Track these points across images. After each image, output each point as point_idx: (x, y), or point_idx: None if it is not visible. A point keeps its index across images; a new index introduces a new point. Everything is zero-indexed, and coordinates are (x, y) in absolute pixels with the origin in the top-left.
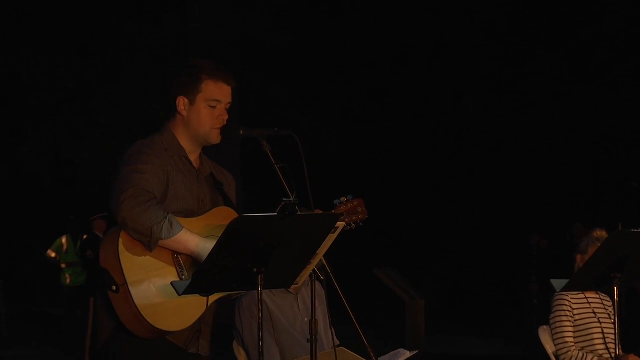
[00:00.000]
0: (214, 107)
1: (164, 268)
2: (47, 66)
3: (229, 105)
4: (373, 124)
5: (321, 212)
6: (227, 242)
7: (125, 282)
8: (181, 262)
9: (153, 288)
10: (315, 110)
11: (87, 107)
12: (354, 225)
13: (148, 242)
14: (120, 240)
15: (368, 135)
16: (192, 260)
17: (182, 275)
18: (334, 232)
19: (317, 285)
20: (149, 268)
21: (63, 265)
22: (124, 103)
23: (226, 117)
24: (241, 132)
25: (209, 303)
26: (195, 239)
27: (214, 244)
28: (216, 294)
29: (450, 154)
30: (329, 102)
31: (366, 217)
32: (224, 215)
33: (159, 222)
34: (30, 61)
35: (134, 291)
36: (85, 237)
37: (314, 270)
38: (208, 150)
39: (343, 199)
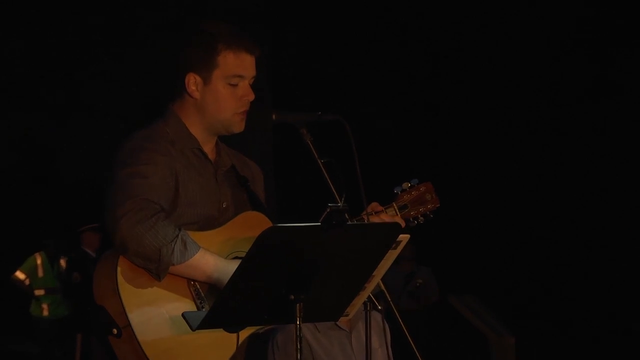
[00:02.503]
0: (235, 85)
1: (178, 300)
2: (22, 30)
3: (253, 80)
4: (441, 108)
5: (382, 213)
6: (255, 260)
7: (129, 324)
8: (199, 290)
9: (166, 328)
10: (370, 90)
11: (70, 82)
12: (421, 218)
13: (156, 270)
14: (119, 269)
15: (434, 123)
16: (215, 289)
17: (202, 306)
18: (395, 248)
19: (375, 317)
20: (158, 303)
21: (38, 293)
22: (118, 78)
23: (252, 96)
24: (273, 116)
25: (240, 341)
26: (214, 260)
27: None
28: (247, 328)
29: (538, 142)
30: (386, 79)
31: (438, 206)
32: (251, 224)
33: (168, 243)
34: None
35: (141, 334)
36: (63, 260)
37: (369, 297)
38: (229, 142)
39: (406, 184)
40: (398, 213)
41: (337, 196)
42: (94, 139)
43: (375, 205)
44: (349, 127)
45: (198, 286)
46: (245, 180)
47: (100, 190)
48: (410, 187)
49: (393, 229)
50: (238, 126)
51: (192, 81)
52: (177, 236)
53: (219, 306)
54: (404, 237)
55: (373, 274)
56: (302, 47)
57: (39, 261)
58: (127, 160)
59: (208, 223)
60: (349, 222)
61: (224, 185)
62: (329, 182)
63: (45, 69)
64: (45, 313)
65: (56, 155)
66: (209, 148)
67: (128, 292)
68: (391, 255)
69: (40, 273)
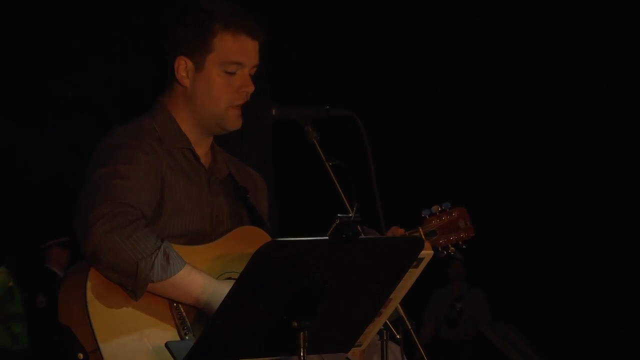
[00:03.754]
0: (232, 74)
1: (157, 325)
2: None
3: (254, 70)
4: (474, 101)
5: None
6: (251, 280)
7: (98, 348)
8: (183, 313)
9: (141, 356)
10: (385, 79)
11: (33, 72)
12: (452, 248)
13: (132, 286)
14: (89, 283)
15: (463, 118)
16: (201, 312)
17: (186, 333)
18: (416, 266)
19: (392, 348)
20: (133, 325)
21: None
22: (94, 65)
23: (251, 88)
24: (274, 112)
25: None
26: (202, 279)
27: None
28: None
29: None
30: (406, 68)
31: (472, 235)
32: (247, 240)
33: (148, 256)
34: None
35: None
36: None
37: (385, 325)
38: (221, 143)
39: (436, 208)
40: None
41: (347, 205)
42: (62, 137)
43: (395, 230)
44: (362, 124)
45: (182, 310)
46: (244, 191)
47: (72, 197)
48: (441, 211)
49: (414, 244)
50: (233, 122)
51: (183, 66)
52: (159, 248)
53: (208, 335)
54: (426, 254)
55: (390, 297)
56: (307, 29)
57: (10, 282)
58: (104, 158)
59: (197, 237)
60: (362, 236)
61: (219, 195)
62: (338, 188)
63: (6, 53)
64: (15, 343)
65: (16, 156)
66: (202, 151)
67: (98, 311)
68: (412, 275)
69: (5, 294)
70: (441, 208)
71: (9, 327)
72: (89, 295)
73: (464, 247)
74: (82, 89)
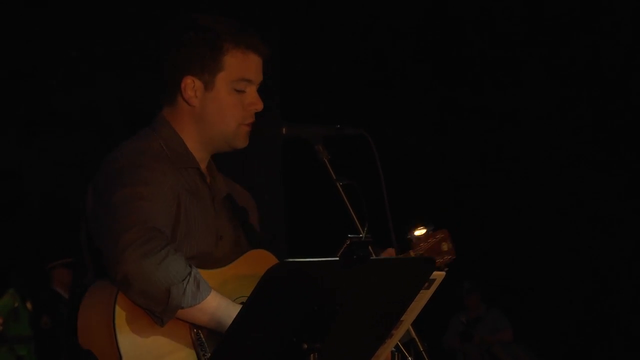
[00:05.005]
0: (241, 92)
1: (178, 350)
2: None
3: (258, 87)
4: (486, 120)
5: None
6: (260, 302)
7: None
8: (203, 339)
9: None
10: (399, 98)
11: (36, 89)
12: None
13: (161, 313)
14: (118, 308)
15: (477, 137)
16: (219, 337)
17: (206, 358)
18: (427, 288)
19: None
20: (157, 352)
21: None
22: (100, 82)
23: (260, 105)
24: (284, 130)
25: None
26: (227, 304)
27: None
28: None
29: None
30: (420, 86)
31: (454, 258)
32: (261, 263)
33: (180, 282)
34: None
35: None
36: (29, 302)
37: (397, 347)
38: (228, 163)
39: (421, 229)
40: None
41: (358, 226)
42: (66, 156)
43: (391, 252)
44: (373, 143)
45: (201, 334)
46: (244, 212)
47: (76, 217)
48: (426, 234)
49: (426, 265)
50: (242, 140)
51: (191, 86)
52: (190, 274)
53: (218, 357)
54: (438, 275)
55: (402, 318)
56: (316, 45)
57: (7, 298)
58: (122, 179)
59: (206, 259)
60: (374, 257)
61: (222, 215)
62: (349, 208)
63: (8, 69)
64: None
65: (22, 174)
66: (203, 169)
67: (126, 337)
68: (423, 297)
69: (14, 316)
70: (426, 229)
71: (13, 349)
72: (118, 320)
73: (446, 269)
74: (88, 106)
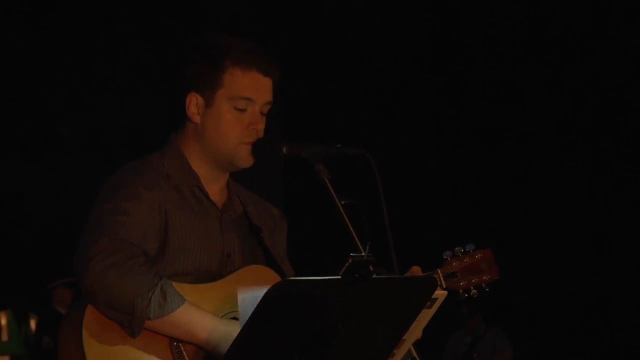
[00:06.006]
0: (242, 110)
1: None
2: None
3: (267, 108)
4: (488, 139)
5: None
6: (261, 321)
7: None
8: (184, 354)
9: None
10: (403, 115)
11: (44, 109)
12: (474, 291)
13: (129, 324)
14: (85, 320)
15: (478, 156)
16: (203, 353)
17: None
18: (430, 307)
19: None
20: None
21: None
22: (102, 103)
23: (261, 126)
24: (284, 149)
25: None
26: (205, 318)
27: (237, 326)
28: None
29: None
30: (421, 106)
31: (496, 278)
32: (256, 279)
33: (144, 293)
34: None
35: None
36: (33, 321)
37: None
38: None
39: (459, 250)
40: (443, 282)
41: (360, 245)
42: (69, 177)
43: (416, 270)
44: (374, 162)
45: (182, 349)
46: (257, 230)
47: (77, 237)
48: (464, 253)
49: (427, 285)
50: (244, 160)
51: (194, 102)
52: (156, 285)
53: None
54: (440, 295)
55: (404, 337)
56: (317, 65)
57: (3, 322)
58: (107, 195)
59: (206, 276)
60: (376, 276)
61: (231, 233)
62: (350, 228)
63: (9, 95)
64: None
65: (25, 196)
66: (215, 188)
67: (94, 350)
68: (425, 316)
69: (5, 336)
70: (464, 250)
71: None
72: (85, 333)
73: (487, 289)
74: (90, 127)
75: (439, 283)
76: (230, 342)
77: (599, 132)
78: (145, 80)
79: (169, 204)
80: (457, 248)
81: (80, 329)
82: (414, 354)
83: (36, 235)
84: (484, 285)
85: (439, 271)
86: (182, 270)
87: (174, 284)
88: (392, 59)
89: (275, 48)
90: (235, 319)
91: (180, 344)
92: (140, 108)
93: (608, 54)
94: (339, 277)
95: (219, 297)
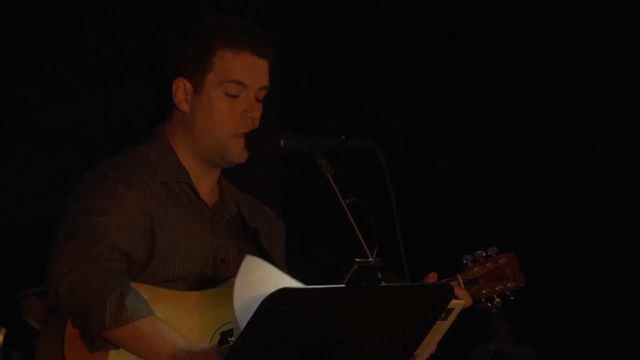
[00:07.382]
0: (234, 97)
1: None
2: None
3: (263, 94)
4: (502, 133)
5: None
6: (257, 334)
7: None
8: None
9: None
10: (412, 106)
11: (12, 102)
12: (498, 300)
13: (87, 332)
14: (67, 331)
15: (495, 151)
16: None
17: None
18: (445, 318)
19: None
20: None
21: None
22: (83, 95)
23: (257, 113)
24: (282, 142)
25: None
26: (171, 337)
27: (222, 347)
28: None
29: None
30: (434, 95)
31: (522, 285)
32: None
33: (102, 298)
34: None
35: None
36: (0, 333)
37: None
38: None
39: (480, 253)
40: (464, 288)
41: (366, 248)
42: (43, 173)
43: (432, 277)
44: (383, 156)
45: None
46: (255, 233)
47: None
48: (486, 257)
49: (443, 293)
50: (237, 154)
51: (181, 89)
52: (117, 290)
53: None
54: (457, 304)
55: (415, 353)
56: (319, 50)
57: None
58: (82, 193)
59: (202, 281)
60: (384, 284)
61: (225, 235)
62: (356, 229)
63: None
64: None
65: None
66: (205, 186)
67: None
68: (440, 328)
69: None
70: (486, 254)
71: None
72: (67, 346)
73: (512, 298)
74: (70, 120)
75: (460, 290)
76: None
77: (623, 127)
78: (130, 70)
79: (154, 203)
80: (478, 251)
81: (62, 346)
82: None
83: (5, 238)
84: (508, 293)
85: (459, 277)
86: (174, 275)
87: (169, 291)
88: (400, 46)
89: (274, 34)
90: (230, 330)
91: None
92: (126, 99)
93: (635, 46)
94: (343, 285)
95: (213, 307)
